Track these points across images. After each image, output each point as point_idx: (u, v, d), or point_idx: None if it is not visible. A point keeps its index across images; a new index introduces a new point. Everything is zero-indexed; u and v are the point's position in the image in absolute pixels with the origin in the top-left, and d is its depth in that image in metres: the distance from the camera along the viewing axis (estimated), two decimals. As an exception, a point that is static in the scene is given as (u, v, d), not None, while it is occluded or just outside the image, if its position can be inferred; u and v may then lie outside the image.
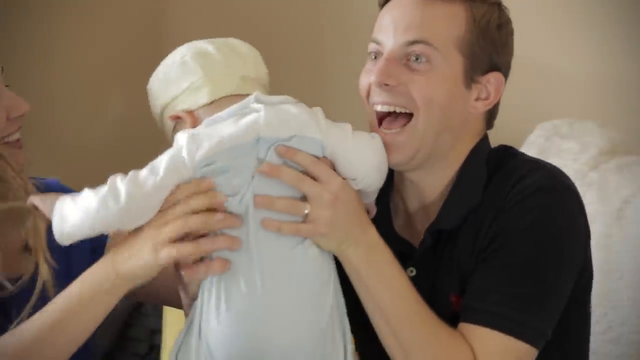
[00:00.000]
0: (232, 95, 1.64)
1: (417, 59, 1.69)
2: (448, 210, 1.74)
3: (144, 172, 1.53)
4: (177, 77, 1.67)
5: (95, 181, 1.62)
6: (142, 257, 1.55)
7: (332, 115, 1.70)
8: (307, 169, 1.62)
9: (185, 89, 1.67)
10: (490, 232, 1.68)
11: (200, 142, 1.55)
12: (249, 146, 1.57)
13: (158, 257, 1.53)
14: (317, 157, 1.61)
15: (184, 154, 1.54)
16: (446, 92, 1.69)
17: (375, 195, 1.71)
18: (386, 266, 1.67)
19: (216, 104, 1.64)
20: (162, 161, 1.54)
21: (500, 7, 1.75)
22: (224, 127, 1.57)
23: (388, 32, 1.70)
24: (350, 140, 1.63)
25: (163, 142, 1.74)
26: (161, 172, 1.53)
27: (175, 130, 1.64)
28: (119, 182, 1.52)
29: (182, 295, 1.66)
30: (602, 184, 2.35)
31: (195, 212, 1.53)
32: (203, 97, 1.66)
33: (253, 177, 1.57)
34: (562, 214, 1.69)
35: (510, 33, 1.76)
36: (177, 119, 1.66)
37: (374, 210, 1.72)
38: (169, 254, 1.52)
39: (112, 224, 1.52)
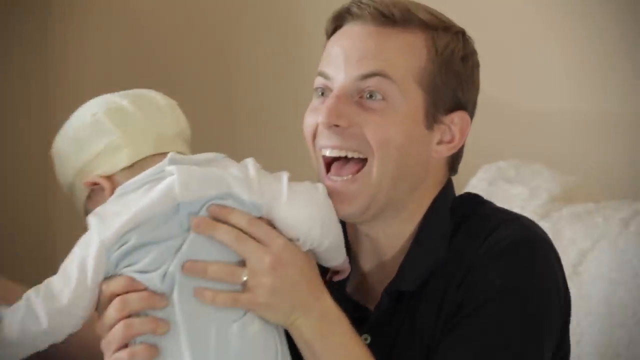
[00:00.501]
0: (155, 155, 1.56)
1: (371, 95, 1.59)
2: (409, 268, 1.64)
3: (56, 283, 1.49)
4: (91, 138, 1.57)
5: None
6: None
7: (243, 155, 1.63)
8: (245, 229, 1.52)
9: (101, 152, 1.56)
10: (459, 295, 1.59)
11: (108, 223, 1.48)
12: (167, 216, 1.49)
13: None
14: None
15: (96, 246, 1.48)
16: (405, 133, 1.60)
17: (339, 254, 1.62)
18: (342, 338, 1.57)
19: (138, 165, 1.55)
20: (72, 264, 1.49)
21: (464, 36, 1.67)
22: (135, 199, 1.49)
23: (338, 64, 1.61)
24: (285, 196, 1.55)
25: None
26: (74, 280, 1.48)
27: (90, 199, 1.57)
28: (35, 302, 1.48)
29: None
30: (554, 235, 2.21)
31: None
32: (122, 160, 1.56)
33: (178, 249, 1.49)
34: (541, 273, 1.60)
35: (476, 65, 1.68)
36: (94, 185, 1.56)
37: (346, 271, 1.64)
38: None
39: (44, 341, 1.50)
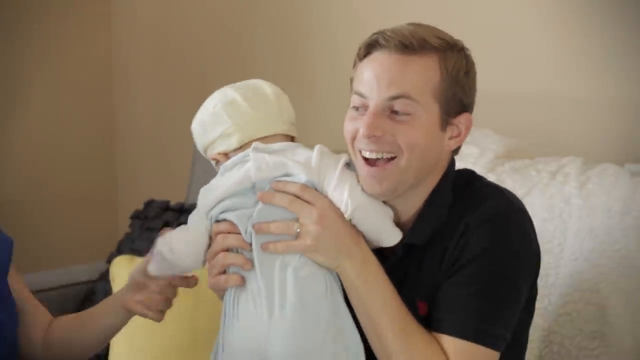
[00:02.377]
0: (263, 137, 1.83)
1: (397, 112, 1.75)
2: (419, 229, 1.81)
3: (180, 231, 1.82)
4: (211, 125, 1.84)
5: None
6: None
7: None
8: (298, 195, 1.75)
9: (218, 136, 1.84)
10: (456, 252, 1.78)
11: (206, 195, 1.79)
12: (247, 190, 1.77)
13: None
14: None
15: (198, 211, 1.80)
16: (426, 137, 1.77)
17: (379, 240, 1.79)
18: (378, 277, 1.78)
19: (246, 146, 1.82)
20: (190, 219, 1.82)
21: (465, 53, 1.82)
22: (227, 178, 1.78)
23: (372, 87, 1.76)
24: (334, 182, 1.77)
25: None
26: (190, 228, 1.82)
27: (217, 165, 1.85)
28: (164, 242, 1.82)
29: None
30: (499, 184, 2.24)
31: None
32: (233, 143, 1.83)
33: (251, 215, 1.76)
34: (517, 237, 1.79)
35: (474, 76, 1.84)
36: (215, 159, 1.85)
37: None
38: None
39: (177, 269, 1.84)
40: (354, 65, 1.84)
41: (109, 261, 2.99)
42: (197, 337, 2.56)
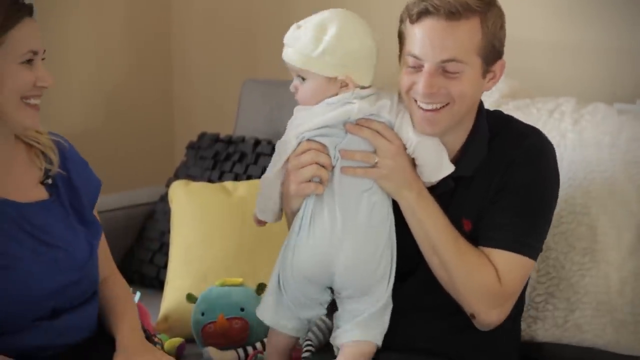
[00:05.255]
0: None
1: (449, 71, 1.86)
2: (464, 161, 1.94)
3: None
4: (364, 56, 1.92)
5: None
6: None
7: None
8: (380, 131, 1.88)
9: (364, 68, 1.93)
10: (503, 180, 1.91)
11: (304, 118, 1.91)
12: (341, 123, 1.91)
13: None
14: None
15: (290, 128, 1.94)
16: (473, 87, 1.89)
17: (432, 176, 1.90)
18: (432, 205, 1.91)
19: (346, 87, 1.93)
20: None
21: (498, 6, 1.91)
22: (328, 110, 1.89)
23: (426, 52, 1.86)
24: (410, 126, 1.90)
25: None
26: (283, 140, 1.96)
27: (328, 86, 1.94)
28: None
29: (288, 211, 1.97)
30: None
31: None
32: (366, 80, 1.94)
33: (340, 142, 1.90)
34: (551, 171, 1.97)
35: (504, 25, 1.92)
36: (339, 81, 1.93)
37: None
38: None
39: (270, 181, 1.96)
40: (402, 22, 1.91)
41: (168, 185, 3.05)
42: (242, 249, 2.67)
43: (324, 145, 1.90)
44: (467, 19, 1.85)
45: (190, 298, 2.50)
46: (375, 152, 1.88)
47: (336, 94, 1.90)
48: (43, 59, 1.92)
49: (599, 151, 2.38)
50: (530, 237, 1.92)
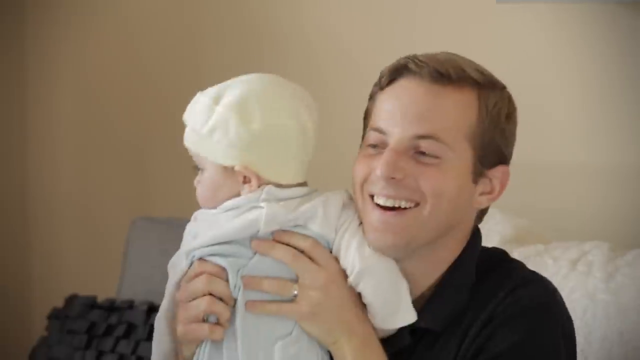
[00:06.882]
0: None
1: (424, 154, 1.75)
2: (433, 310, 1.80)
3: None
4: (272, 139, 1.81)
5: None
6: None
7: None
8: (306, 251, 1.74)
9: (274, 158, 1.83)
10: (478, 342, 1.76)
11: (199, 233, 1.80)
12: (246, 239, 1.76)
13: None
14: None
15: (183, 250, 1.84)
16: (456, 185, 1.77)
17: (389, 322, 1.78)
18: None
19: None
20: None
21: (507, 93, 1.82)
22: (229, 219, 1.77)
23: (395, 120, 1.77)
24: (347, 238, 1.77)
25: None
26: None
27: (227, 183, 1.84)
28: None
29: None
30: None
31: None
32: (288, 177, 1.83)
33: (244, 266, 1.76)
34: (551, 335, 1.78)
35: (515, 123, 1.84)
36: (240, 177, 1.82)
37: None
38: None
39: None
40: (371, 97, 1.82)
41: None
42: None
43: (222, 269, 1.77)
44: (459, 87, 1.76)
45: None
46: (296, 280, 1.76)
47: (239, 193, 1.81)
48: None
49: (646, 320, 2.26)
50: None
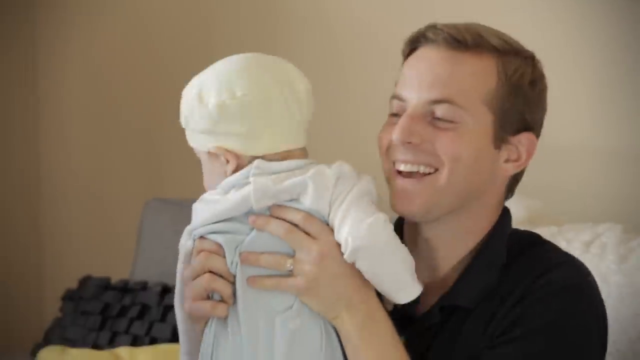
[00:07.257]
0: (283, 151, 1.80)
1: (440, 119, 1.75)
2: (464, 287, 1.81)
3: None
4: (232, 116, 1.80)
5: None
6: None
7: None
8: (300, 224, 1.72)
9: (236, 133, 1.81)
10: (508, 319, 1.75)
11: (196, 215, 1.78)
12: (243, 215, 1.75)
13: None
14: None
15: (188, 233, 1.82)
16: (474, 150, 1.76)
17: (393, 293, 1.75)
18: (382, 339, 1.75)
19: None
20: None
21: (534, 61, 1.81)
22: (222, 200, 1.76)
23: (412, 87, 1.77)
24: (341, 212, 1.73)
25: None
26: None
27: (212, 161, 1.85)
28: None
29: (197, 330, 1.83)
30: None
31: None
32: (259, 148, 1.81)
33: (241, 242, 1.75)
34: (584, 316, 1.77)
35: (544, 89, 1.82)
36: (215, 155, 1.83)
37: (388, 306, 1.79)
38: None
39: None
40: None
41: (34, 353, 2.92)
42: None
43: (219, 246, 1.77)
44: (476, 53, 1.75)
45: None
46: (293, 255, 1.75)
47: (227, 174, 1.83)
48: None
49: (658, 302, 2.28)
50: None
